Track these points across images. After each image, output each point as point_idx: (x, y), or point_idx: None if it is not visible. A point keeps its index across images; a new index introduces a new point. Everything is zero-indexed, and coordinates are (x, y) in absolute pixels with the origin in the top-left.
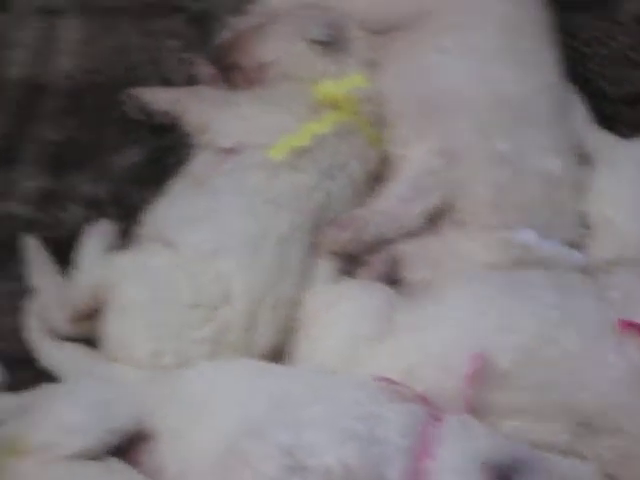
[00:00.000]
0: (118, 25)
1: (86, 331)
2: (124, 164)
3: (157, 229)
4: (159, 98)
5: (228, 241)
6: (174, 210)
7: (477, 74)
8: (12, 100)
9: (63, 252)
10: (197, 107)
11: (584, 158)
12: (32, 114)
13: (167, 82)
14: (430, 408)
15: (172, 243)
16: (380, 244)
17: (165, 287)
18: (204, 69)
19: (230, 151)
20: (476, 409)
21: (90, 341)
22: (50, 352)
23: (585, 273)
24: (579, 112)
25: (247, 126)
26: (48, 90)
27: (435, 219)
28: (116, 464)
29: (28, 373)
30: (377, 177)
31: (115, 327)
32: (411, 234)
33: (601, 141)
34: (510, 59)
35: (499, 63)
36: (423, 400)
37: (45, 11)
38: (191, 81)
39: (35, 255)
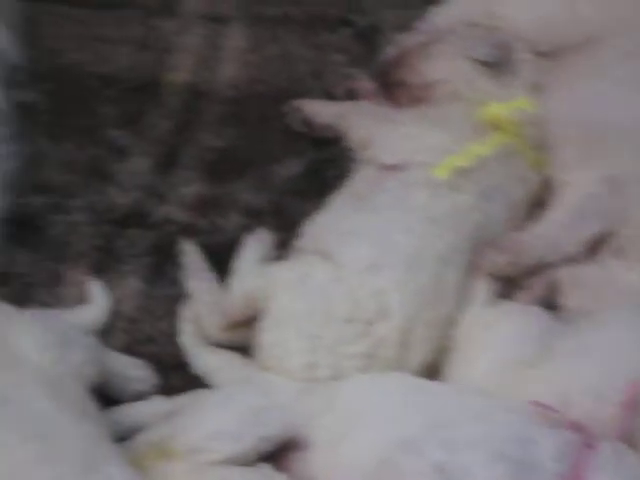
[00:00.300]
0: (284, 36)
1: (240, 339)
2: (284, 175)
3: (316, 242)
4: (322, 111)
5: (387, 257)
6: (334, 224)
7: None
8: (175, 105)
9: (220, 259)
10: (361, 123)
11: None
12: (194, 120)
13: (329, 96)
14: (584, 435)
15: (331, 256)
16: (539, 268)
17: (322, 300)
18: (366, 85)
19: (393, 168)
20: (630, 438)
21: (243, 349)
22: (203, 358)
23: None
24: None
25: (411, 144)
26: (211, 97)
27: (596, 246)
28: (267, 470)
29: (180, 378)
30: (537, 201)
31: (270, 337)
32: (571, 260)
33: None
34: None
35: None
36: (577, 427)
37: (211, 18)
38: (351, 96)
39: (192, 260)
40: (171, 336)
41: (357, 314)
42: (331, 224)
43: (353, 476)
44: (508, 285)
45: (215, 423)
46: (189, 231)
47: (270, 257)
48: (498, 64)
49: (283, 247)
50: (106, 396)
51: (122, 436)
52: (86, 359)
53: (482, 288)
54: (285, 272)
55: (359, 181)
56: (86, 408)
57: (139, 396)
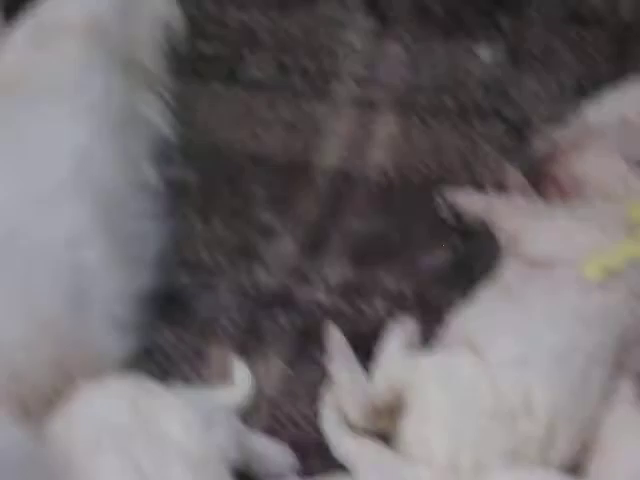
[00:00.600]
0: (435, 124)
1: (382, 427)
2: (431, 264)
3: (462, 333)
4: (471, 202)
5: (534, 353)
6: (481, 316)
7: None
8: (324, 188)
9: (364, 345)
10: (511, 216)
11: None
12: (343, 204)
13: (478, 186)
14: None
15: (477, 349)
16: None
17: (467, 394)
18: (515, 178)
19: (542, 264)
20: None
21: (386, 436)
22: (344, 444)
23: None
24: None
25: (562, 241)
26: (360, 182)
27: None
28: None
29: (320, 462)
30: None
31: (413, 428)
32: None
33: None
34: None
35: None
36: None
37: (363, 103)
38: (501, 188)
39: (336, 345)
40: (313, 419)
41: (502, 409)
42: (478, 316)
43: None
44: None
45: None
46: (334, 315)
47: (415, 346)
48: None
49: (428, 337)
50: (245, 475)
51: None
52: (229, 440)
53: (627, 388)
54: (430, 363)
55: (507, 275)
56: None
57: (278, 478)
